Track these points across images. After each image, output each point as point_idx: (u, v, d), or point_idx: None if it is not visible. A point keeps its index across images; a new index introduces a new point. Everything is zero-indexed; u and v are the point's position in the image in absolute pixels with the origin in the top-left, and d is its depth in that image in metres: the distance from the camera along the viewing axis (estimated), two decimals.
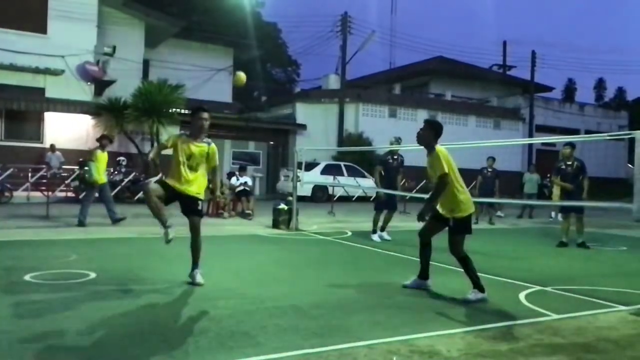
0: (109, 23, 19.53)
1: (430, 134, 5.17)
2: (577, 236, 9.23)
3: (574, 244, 9.21)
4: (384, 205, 9.47)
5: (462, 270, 5.16)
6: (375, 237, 9.31)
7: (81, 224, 10.02)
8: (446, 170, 4.91)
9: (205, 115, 5.44)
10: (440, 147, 5.13)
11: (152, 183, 5.34)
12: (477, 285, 5.04)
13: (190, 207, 5.38)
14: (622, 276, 6.86)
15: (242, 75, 8.05)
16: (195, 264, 5.44)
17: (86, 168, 10.51)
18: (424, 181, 17.49)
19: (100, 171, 10.24)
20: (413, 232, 8.06)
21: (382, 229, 9.47)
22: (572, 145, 9.31)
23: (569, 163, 9.14)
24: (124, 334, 3.79)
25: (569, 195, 9.05)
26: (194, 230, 5.42)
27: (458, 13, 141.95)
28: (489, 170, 13.40)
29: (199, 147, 5.39)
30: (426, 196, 5.46)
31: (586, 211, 9.37)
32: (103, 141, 10.59)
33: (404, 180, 12.02)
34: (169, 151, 5.51)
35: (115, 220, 10.35)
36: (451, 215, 5.04)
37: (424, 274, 5.43)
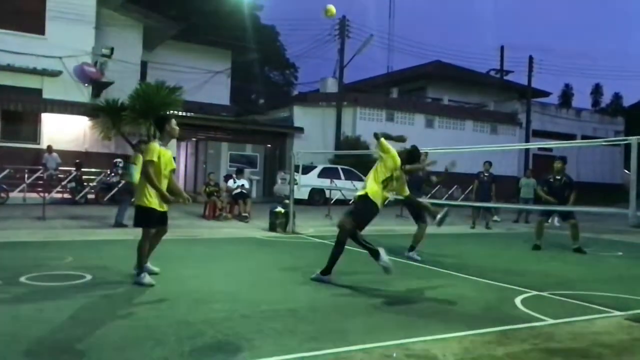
0: (107, 24, 19.49)
1: (406, 157, 5.92)
2: (573, 242, 9.28)
3: (568, 249, 9.24)
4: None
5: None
6: (412, 255, 7.80)
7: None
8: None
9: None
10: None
11: (151, 230, 5.41)
12: (328, 270, 5.73)
13: (164, 218, 5.53)
14: (618, 281, 6.88)
15: (332, 9, 8.06)
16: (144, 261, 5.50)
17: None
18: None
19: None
20: (409, 237, 8.11)
21: (412, 248, 7.86)
22: (563, 160, 9.82)
23: (558, 177, 9.49)
24: (119, 336, 3.78)
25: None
26: (163, 234, 5.64)
27: (456, 18, 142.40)
28: (486, 174, 13.43)
29: (169, 154, 5.51)
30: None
31: (582, 216, 9.47)
32: (142, 145, 10.88)
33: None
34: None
35: (119, 224, 10.35)
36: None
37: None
